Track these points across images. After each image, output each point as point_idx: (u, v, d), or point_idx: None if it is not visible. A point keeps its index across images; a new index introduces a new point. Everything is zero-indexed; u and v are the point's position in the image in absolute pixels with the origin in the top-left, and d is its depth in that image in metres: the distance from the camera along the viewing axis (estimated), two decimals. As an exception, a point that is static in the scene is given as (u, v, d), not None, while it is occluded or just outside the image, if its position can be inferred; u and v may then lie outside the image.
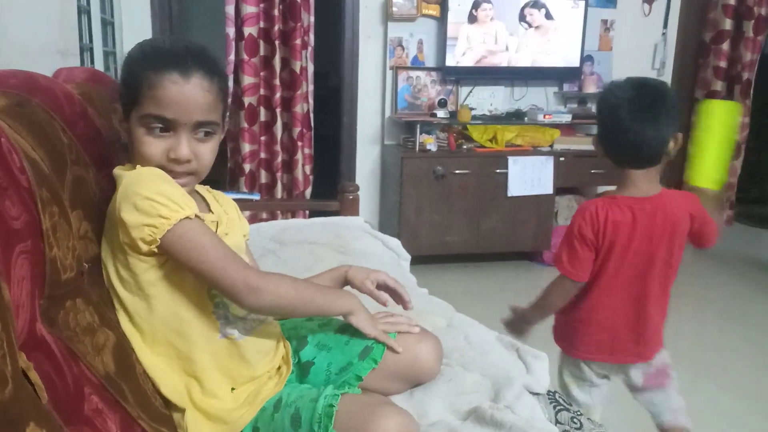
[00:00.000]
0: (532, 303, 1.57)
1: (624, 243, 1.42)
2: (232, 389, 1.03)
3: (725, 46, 3.96)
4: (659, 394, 1.52)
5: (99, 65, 2.72)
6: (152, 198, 0.90)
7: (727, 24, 3.93)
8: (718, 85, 4.00)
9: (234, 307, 1.02)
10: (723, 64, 3.99)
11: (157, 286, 0.96)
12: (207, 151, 1.01)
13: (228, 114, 1.10)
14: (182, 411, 0.98)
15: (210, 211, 1.09)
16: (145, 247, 0.92)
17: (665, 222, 1.42)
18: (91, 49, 2.69)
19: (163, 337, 0.98)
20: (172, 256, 0.93)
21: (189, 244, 0.92)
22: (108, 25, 3.03)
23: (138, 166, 0.98)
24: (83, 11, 2.60)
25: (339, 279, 1.22)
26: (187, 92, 0.96)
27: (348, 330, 1.15)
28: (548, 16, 3.66)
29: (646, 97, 1.37)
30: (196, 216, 0.94)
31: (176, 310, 0.97)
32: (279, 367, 1.11)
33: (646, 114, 1.36)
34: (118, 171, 0.99)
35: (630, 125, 1.36)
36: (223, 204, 1.15)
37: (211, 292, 1.00)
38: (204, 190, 1.14)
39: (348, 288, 1.20)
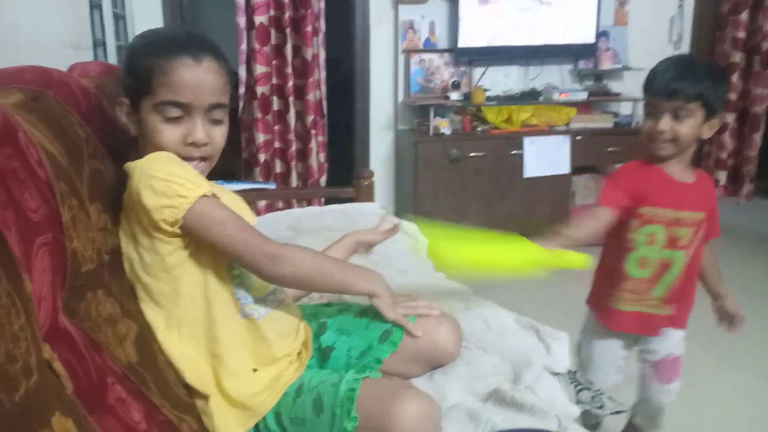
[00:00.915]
0: None
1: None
2: (254, 370, 1.04)
3: (744, 16, 3.87)
4: None
5: (112, 59, 2.73)
6: (169, 179, 0.92)
7: (746, -7, 3.85)
8: (737, 57, 3.91)
9: (254, 289, 1.04)
10: (742, 35, 3.90)
11: (182, 267, 0.98)
12: (220, 135, 1.04)
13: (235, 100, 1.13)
14: (206, 398, 0.99)
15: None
16: (168, 228, 0.93)
17: None
18: (104, 44, 2.70)
19: (190, 318, 0.99)
20: (194, 234, 0.95)
21: (209, 220, 0.93)
22: (120, 19, 3.04)
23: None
24: (95, 6, 2.61)
25: (350, 247, 1.28)
26: (200, 75, 0.98)
27: (367, 314, 1.16)
28: (561, -7, 3.60)
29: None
30: (213, 194, 0.96)
31: (201, 290, 0.99)
32: (299, 352, 1.12)
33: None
34: (129, 164, 0.99)
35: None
36: (226, 197, 1.16)
37: (232, 273, 1.01)
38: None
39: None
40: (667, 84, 1.34)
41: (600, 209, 1.41)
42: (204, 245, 0.97)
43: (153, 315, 0.99)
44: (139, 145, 1.03)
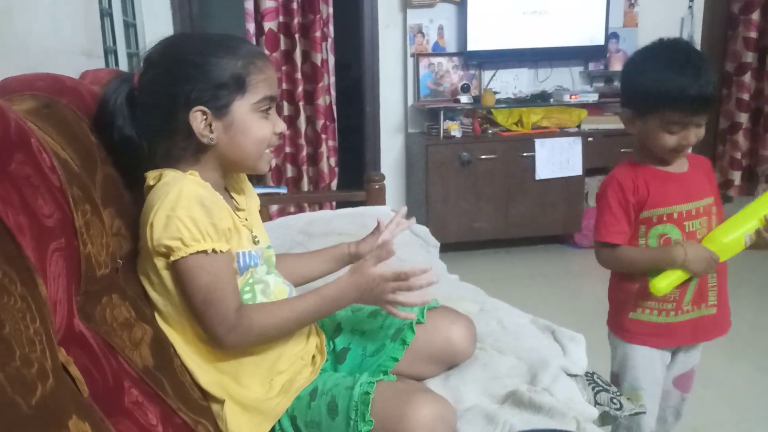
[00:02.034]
0: None
1: None
2: (270, 380, 1.03)
3: (755, 15, 3.84)
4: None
5: (123, 66, 2.75)
6: (182, 220, 0.90)
7: (757, -8, 3.82)
8: (749, 57, 3.88)
9: (273, 298, 1.03)
10: (753, 34, 3.86)
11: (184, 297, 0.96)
12: None
13: None
14: (221, 402, 0.99)
15: (239, 209, 1.09)
16: (162, 259, 0.93)
17: None
18: (115, 51, 2.72)
19: (194, 335, 0.98)
20: (171, 275, 0.94)
21: (189, 280, 0.92)
22: (130, 27, 3.06)
23: (189, 178, 0.96)
24: (105, 14, 2.63)
25: (340, 258, 1.24)
26: (274, 71, 1.04)
27: (381, 313, 1.16)
28: (570, -6, 3.59)
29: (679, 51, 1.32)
30: (213, 250, 0.92)
31: None
32: (313, 356, 1.11)
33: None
34: (165, 184, 0.95)
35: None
36: (249, 196, 1.16)
37: (243, 298, 1.00)
38: (238, 183, 1.14)
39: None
40: (697, 96, 1.22)
41: (620, 249, 1.35)
42: None
43: (162, 325, 0.99)
44: (208, 150, 0.99)
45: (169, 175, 0.96)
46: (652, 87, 1.26)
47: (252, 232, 1.07)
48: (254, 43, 3.30)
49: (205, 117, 0.96)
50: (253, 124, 0.99)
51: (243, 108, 0.98)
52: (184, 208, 0.90)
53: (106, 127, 0.99)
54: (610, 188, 1.36)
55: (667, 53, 1.32)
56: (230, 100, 0.97)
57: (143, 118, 0.98)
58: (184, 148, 0.99)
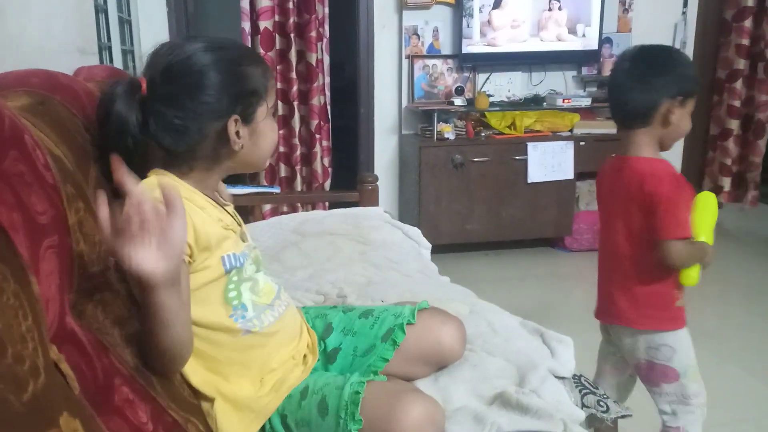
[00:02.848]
0: None
1: (600, 198, 1.59)
2: (261, 380, 1.04)
3: (747, 23, 3.87)
4: (649, 389, 1.54)
5: (118, 63, 2.75)
6: None
7: (750, 0, 3.84)
8: (741, 64, 3.91)
9: (262, 296, 1.04)
10: (746, 41, 3.90)
11: None
12: None
13: None
14: (211, 400, 0.99)
15: (225, 204, 1.09)
16: None
17: (621, 184, 1.46)
18: (110, 48, 2.72)
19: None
20: None
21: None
22: (125, 23, 3.06)
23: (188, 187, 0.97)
24: (100, 10, 2.63)
25: None
26: None
27: (371, 315, 1.16)
28: (565, -2, 3.62)
29: (643, 60, 1.42)
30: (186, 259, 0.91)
31: (194, 318, 0.96)
32: (305, 356, 1.12)
33: (636, 73, 1.41)
34: (170, 181, 0.95)
35: (620, 83, 1.44)
36: (224, 191, 1.15)
37: (227, 296, 0.99)
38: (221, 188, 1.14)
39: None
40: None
41: (693, 243, 1.38)
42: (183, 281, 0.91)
43: None
44: (223, 157, 1.00)
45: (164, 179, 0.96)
46: (693, 74, 1.42)
47: (241, 227, 1.08)
48: (249, 42, 3.30)
49: (236, 124, 0.98)
50: (268, 128, 1.04)
51: (263, 114, 1.02)
52: None
53: (118, 136, 0.95)
54: (668, 184, 1.38)
55: (676, 51, 1.52)
56: (257, 107, 1.01)
57: (164, 127, 0.94)
58: (201, 156, 0.98)
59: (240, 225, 1.08)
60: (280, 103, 3.45)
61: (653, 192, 1.37)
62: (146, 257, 0.76)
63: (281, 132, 3.50)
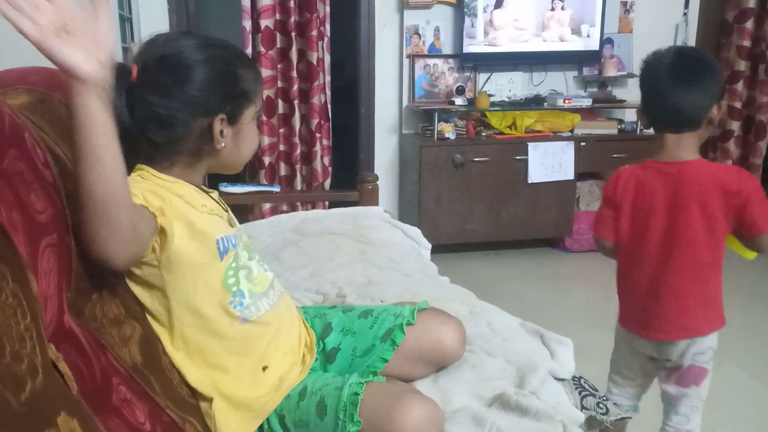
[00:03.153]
0: None
1: (646, 206, 1.42)
2: (264, 368, 1.03)
3: (749, 24, 3.87)
4: (677, 391, 1.49)
5: (118, 60, 2.74)
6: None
7: (751, 1, 3.84)
8: (742, 65, 3.91)
9: (256, 284, 1.04)
10: (747, 43, 3.89)
11: (164, 287, 0.96)
12: None
13: None
14: (209, 400, 0.99)
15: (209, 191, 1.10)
16: None
17: (691, 189, 1.38)
18: (110, 46, 2.71)
19: (181, 334, 0.98)
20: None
21: None
22: (126, 21, 3.05)
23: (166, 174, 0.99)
24: (101, 8, 2.62)
25: None
26: None
27: (371, 315, 1.16)
28: (566, -1, 3.61)
29: (686, 63, 1.40)
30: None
31: (193, 308, 0.97)
32: (303, 356, 1.12)
33: (686, 78, 1.38)
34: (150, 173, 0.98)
35: (668, 89, 1.39)
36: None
37: (227, 283, 1.00)
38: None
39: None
40: None
41: None
42: (180, 270, 0.94)
43: (156, 329, 0.99)
44: (203, 155, 1.01)
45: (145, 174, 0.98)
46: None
47: (228, 213, 1.09)
48: (250, 40, 3.30)
49: (222, 125, 0.99)
50: (252, 132, 1.05)
51: (249, 116, 1.03)
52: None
53: None
54: (752, 180, 1.38)
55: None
56: (244, 109, 1.02)
57: (149, 117, 0.94)
58: (182, 151, 0.99)
59: (226, 211, 1.09)
60: (280, 102, 3.45)
61: (740, 190, 1.35)
62: (74, 54, 0.76)
63: (281, 130, 3.50)
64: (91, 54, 0.77)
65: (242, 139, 1.03)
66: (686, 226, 1.39)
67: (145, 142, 0.97)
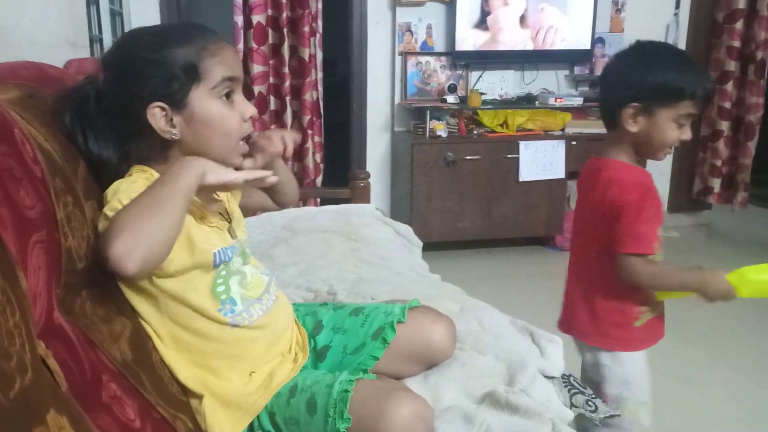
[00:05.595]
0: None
1: (577, 199, 1.48)
2: (251, 373, 1.03)
3: (739, 25, 3.89)
4: None
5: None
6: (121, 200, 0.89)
7: (741, 2, 3.86)
8: (732, 66, 3.93)
9: (251, 289, 1.04)
10: (737, 43, 3.92)
11: (157, 291, 0.96)
12: None
13: None
14: (199, 397, 0.98)
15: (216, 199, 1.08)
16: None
17: (588, 188, 1.40)
18: (101, 40, 2.69)
19: (171, 334, 0.98)
20: None
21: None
22: (117, 15, 3.03)
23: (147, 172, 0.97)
24: (92, 2, 2.60)
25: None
26: (234, 51, 1.02)
27: (362, 312, 1.16)
28: (558, -2, 3.62)
29: (614, 59, 1.36)
30: None
31: (181, 311, 0.97)
32: (295, 354, 1.12)
33: (604, 72, 1.39)
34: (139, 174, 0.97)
35: (601, 75, 1.41)
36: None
37: (215, 291, 0.99)
38: None
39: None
40: (710, 91, 1.27)
41: (660, 266, 1.30)
42: (168, 275, 0.94)
43: (145, 324, 0.98)
44: (174, 146, 0.97)
45: (134, 175, 0.97)
46: (671, 81, 1.25)
47: (231, 224, 1.07)
48: (242, 36, 3.28)
49: (164, 113, 0.94)
50: (219, 112, 0.96)
51: (201, 96, 0.95)
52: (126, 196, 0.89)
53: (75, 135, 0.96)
54: (639, 193, 1.28)
55: (668, 51, 1.37)
56: (186, 91, 0.94)
57: (109, 121, 0.96)
58: (149, 147, 0.98)
59: (229, 221, 1.07)
60: (272, 98, 3.44)
61: (615, 200, 1.28)
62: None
63: (273, 127, 3.49)
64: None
65: (201, 123, 0.95)
66: (582, 224, 1.43)
67: (134, 149, 0.98)
